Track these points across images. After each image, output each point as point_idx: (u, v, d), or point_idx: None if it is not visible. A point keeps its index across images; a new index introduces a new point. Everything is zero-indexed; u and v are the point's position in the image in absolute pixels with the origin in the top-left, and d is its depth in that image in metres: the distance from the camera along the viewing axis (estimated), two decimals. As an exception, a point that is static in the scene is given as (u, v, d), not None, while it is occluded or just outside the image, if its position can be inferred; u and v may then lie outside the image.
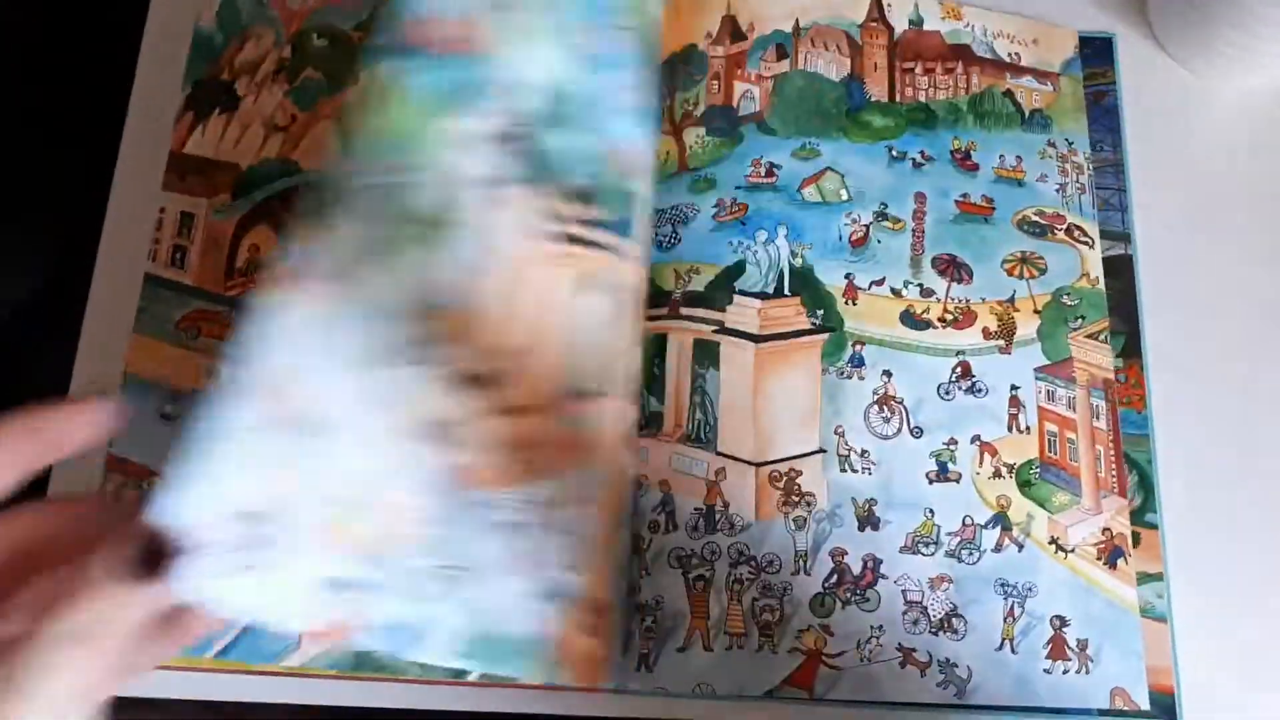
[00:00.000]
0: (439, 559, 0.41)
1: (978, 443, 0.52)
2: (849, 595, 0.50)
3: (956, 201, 0.56)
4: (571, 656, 0.43)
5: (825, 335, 0.53)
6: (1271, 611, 0.51)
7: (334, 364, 0.41)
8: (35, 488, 0.50)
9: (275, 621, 0.41)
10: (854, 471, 0.51)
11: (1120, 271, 0.56)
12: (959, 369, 0.53)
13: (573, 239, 0.46)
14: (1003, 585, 0.50)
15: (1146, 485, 0.52)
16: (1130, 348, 0.55)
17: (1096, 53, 0.61)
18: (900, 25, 0.60)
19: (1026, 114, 0.58)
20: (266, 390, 0.40)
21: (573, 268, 0.46)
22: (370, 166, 0.45)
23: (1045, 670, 0.48)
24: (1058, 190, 0.57)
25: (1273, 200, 0.58)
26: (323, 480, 0.40)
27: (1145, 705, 0.48)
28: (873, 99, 0.58)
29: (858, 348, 0.53)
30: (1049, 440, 0.52)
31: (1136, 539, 0.52)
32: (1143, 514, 0.52)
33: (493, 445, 0.42)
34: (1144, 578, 0.51)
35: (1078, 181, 0.57)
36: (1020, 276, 0.55)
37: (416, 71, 0.47)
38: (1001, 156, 0.58)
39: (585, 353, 0.45)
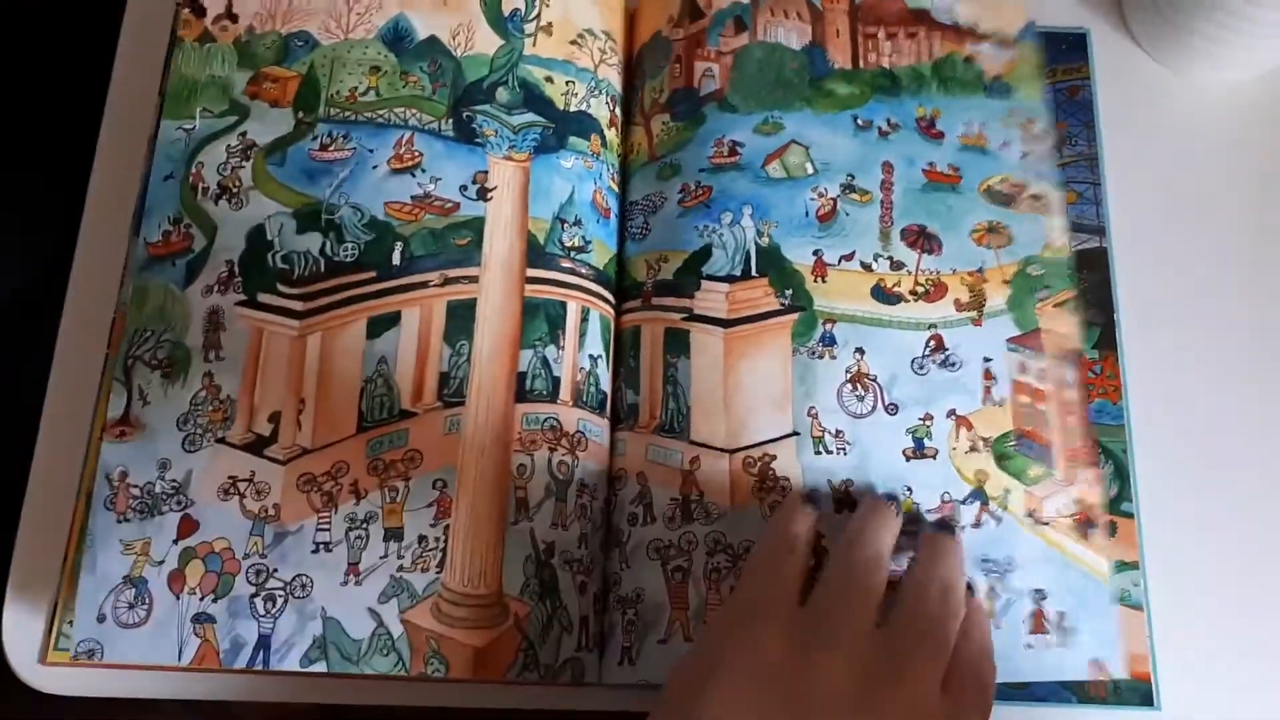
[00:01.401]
0: (261, 585, 0.48)
1: (953, 417, 0.52)
2: (829, 579, 0.49)
3: (923, 170, 0.55)
4: (452, 651, 0.47)
5: (795, 315, 0.53)
6: (1247, 599, 0.52)
7: None
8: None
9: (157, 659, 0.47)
10: (829, 453, 0.51)
11: (1096, 264, 0.56)
12: (932, 342, 0.53)
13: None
14: (984, 562, 0.50)
15: (1122, 474, 0.53)
16: (1106, 339, 0.55)
17: (1071, 47, 0.60)
18: (860, -11, 0.58)
19: (988, 81, 0.57)
20: None
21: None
22: None
23: (1028, 645, 0.49)
24: (1021, 158, 0.56)
25: (1247, 193, 0.59)
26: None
27: (1124, 674, 0.49)
28: (836, 66, 0.57)
29: (828, 326, 0.53)
30: (1022, 412, 0.52)
31: (1113, 528, 0.52)
32: (1119, 503, 0.52)
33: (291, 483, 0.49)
34: (1121, 566, 0.51)
35: (1038, 150, 0.56)
36: (988, 246, 0.54)
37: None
38: (966, 124, 0.56)
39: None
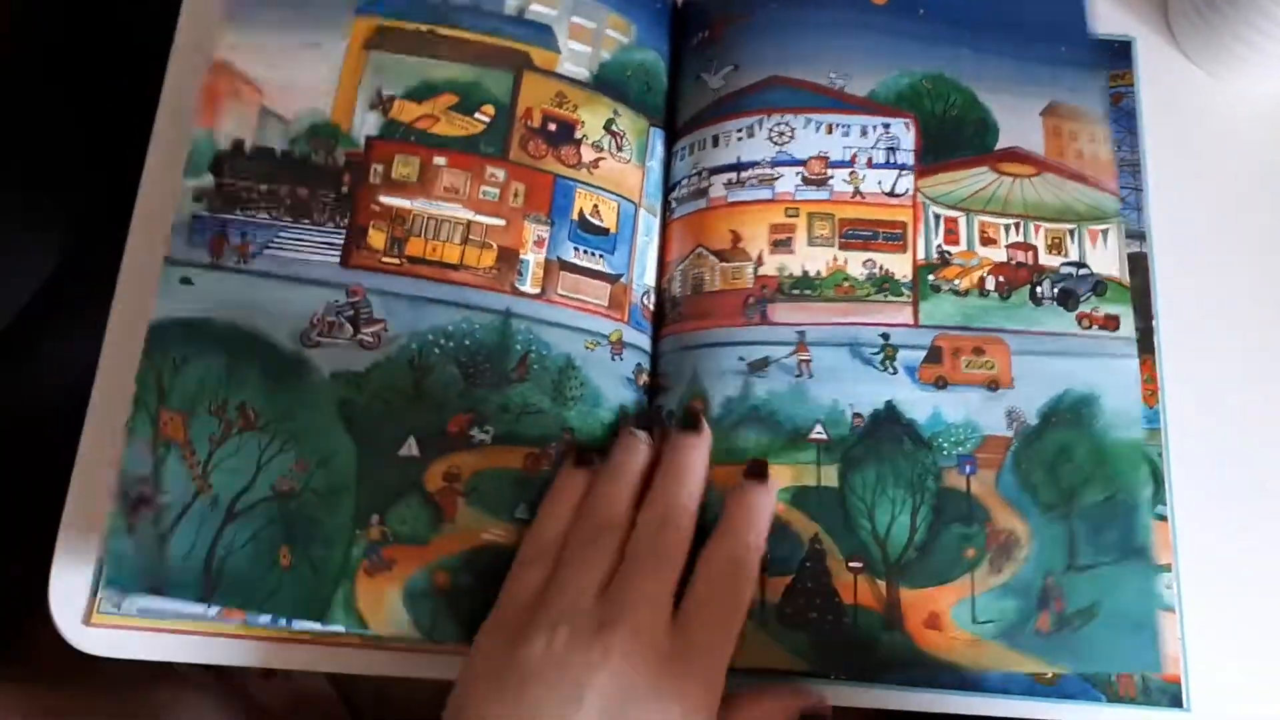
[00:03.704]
0: None
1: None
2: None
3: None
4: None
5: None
6: (1280, 603, 0.52)
7: None
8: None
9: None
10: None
11: (1137, 268, 0.56)
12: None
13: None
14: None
15: (1157, 477, 0.53)
16: (1144, 343, 0.55)
17: (1116, 55, 0.60)
18: None
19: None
20: None
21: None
22: None
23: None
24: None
25: (1288, 200, 0.59)
26: None
27: None
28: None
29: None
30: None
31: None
32: (1154, 506, 0.52)
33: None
34: (1155, 568, 0.51)
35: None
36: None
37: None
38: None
39: None
